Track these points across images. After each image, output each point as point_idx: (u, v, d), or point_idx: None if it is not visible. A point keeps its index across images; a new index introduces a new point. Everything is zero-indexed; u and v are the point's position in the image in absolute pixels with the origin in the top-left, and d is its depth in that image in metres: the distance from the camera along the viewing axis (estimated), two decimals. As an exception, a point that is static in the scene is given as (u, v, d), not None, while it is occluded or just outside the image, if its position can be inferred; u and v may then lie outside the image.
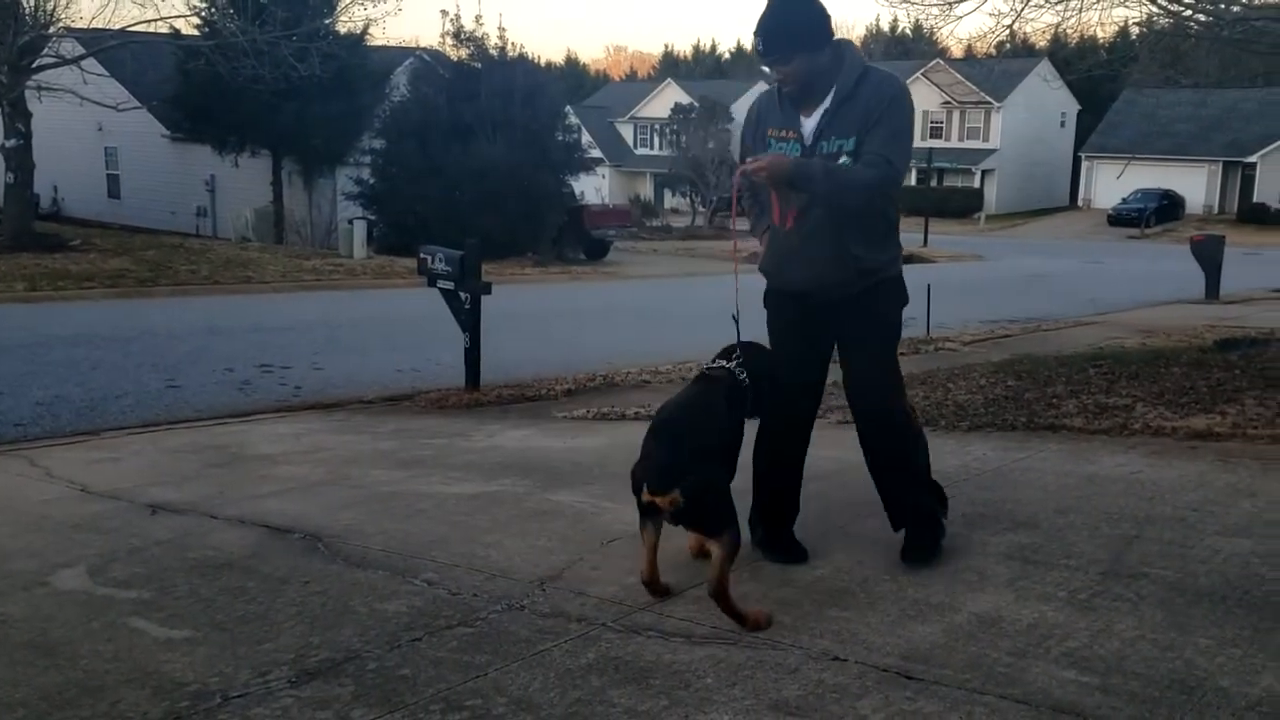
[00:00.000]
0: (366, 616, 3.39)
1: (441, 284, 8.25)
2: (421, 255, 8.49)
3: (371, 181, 25.98)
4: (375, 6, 22.74)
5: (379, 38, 27.99)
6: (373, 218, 25.44)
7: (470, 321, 8.15)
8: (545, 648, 3.11)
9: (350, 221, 24.04)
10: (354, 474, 5.49)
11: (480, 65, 26.36)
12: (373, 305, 15.73)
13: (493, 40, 27.01)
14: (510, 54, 27.19)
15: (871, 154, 3.46)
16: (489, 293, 8.20)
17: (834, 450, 4.79)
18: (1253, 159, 46.07)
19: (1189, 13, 9.85)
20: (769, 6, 3.52)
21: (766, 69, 3.70)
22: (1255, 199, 45.84)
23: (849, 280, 3.63)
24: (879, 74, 3.61)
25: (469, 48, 26.80)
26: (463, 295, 8.13)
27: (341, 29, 25.48)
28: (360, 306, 15.48)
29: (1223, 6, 9.40)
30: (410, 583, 3.70)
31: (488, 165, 24.27)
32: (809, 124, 3.58)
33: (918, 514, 3.77)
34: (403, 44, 34.63)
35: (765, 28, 3.50)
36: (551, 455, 5.89)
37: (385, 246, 24.20)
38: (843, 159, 3.50)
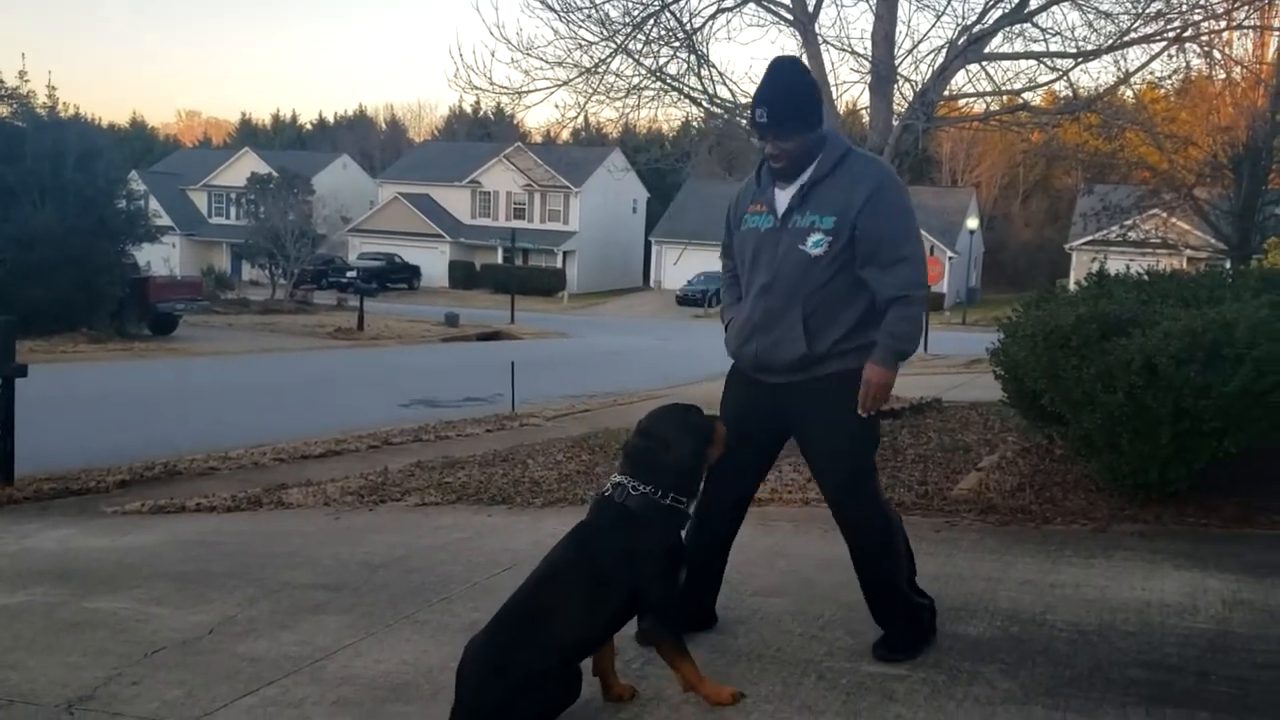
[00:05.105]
0: None
1: (-34, 367, 7.34)
2: (-59, 335, 7.49)
3: (-117, 250, 22.75)
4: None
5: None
6: (-115, 291, 22.25)
7: (1, 408, 7.29)
8: (68, 782, 2.77)
9: None
10: None
11: (25, 125, 24.06)
12: (-117, 389, 13.58)
13: (40, 99, 24.82)
14: (62, 113, 25.06)
15: (887, 260, 3.38)
16: (24, 375, 7.42)
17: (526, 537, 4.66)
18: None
19: (735, 116, 10.89)
20: (776, 82, 3.41)
21: (759, 141, 3.55)
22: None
23: (806, 360, 3.46)
24: (860, 158, 3.52)
25: (11, 105, 24.41)
26: (-8, 379, 7.27)
27: None
28: None
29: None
30: (-99, 722, 3.17)
31: (35, 233, 22.23)
32: (782, 198, 3.50)
33: (889, 615, 3.60)
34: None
35: (773, 104, 3.38)
36: (96, 557, 5.33)
37: (-98, 323, 21.12)
38: (814, 236, 3.40)
